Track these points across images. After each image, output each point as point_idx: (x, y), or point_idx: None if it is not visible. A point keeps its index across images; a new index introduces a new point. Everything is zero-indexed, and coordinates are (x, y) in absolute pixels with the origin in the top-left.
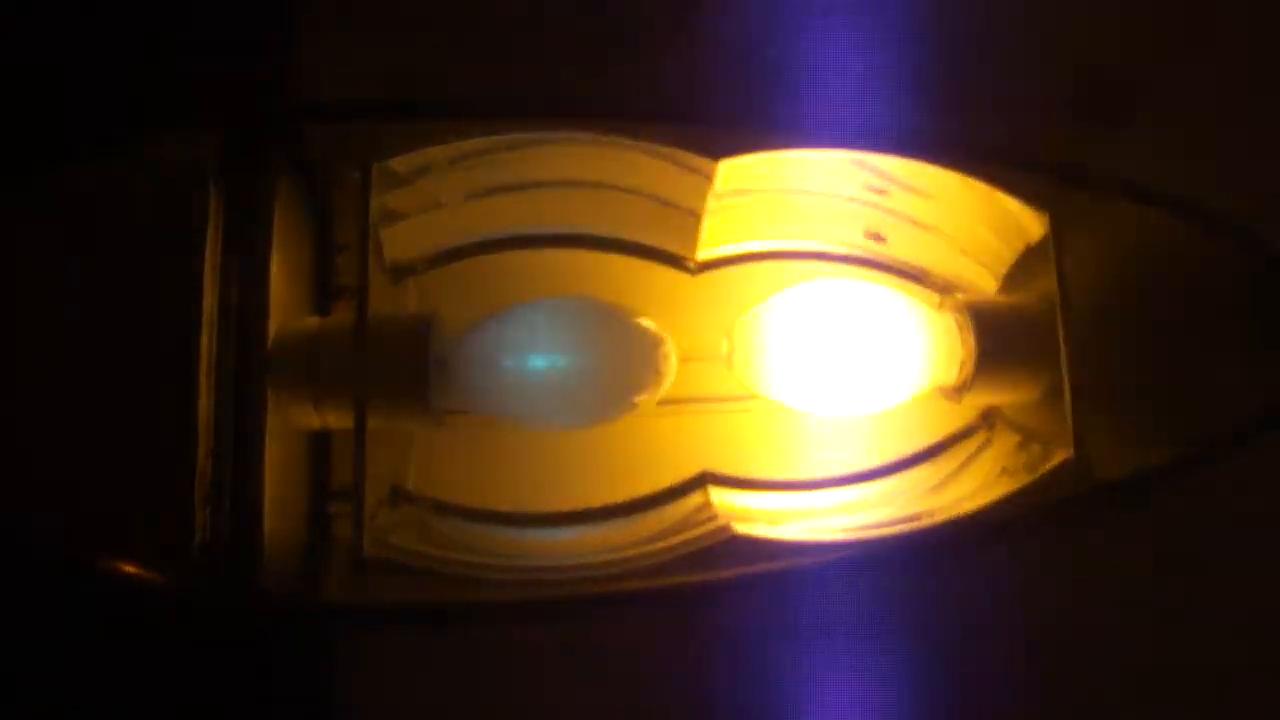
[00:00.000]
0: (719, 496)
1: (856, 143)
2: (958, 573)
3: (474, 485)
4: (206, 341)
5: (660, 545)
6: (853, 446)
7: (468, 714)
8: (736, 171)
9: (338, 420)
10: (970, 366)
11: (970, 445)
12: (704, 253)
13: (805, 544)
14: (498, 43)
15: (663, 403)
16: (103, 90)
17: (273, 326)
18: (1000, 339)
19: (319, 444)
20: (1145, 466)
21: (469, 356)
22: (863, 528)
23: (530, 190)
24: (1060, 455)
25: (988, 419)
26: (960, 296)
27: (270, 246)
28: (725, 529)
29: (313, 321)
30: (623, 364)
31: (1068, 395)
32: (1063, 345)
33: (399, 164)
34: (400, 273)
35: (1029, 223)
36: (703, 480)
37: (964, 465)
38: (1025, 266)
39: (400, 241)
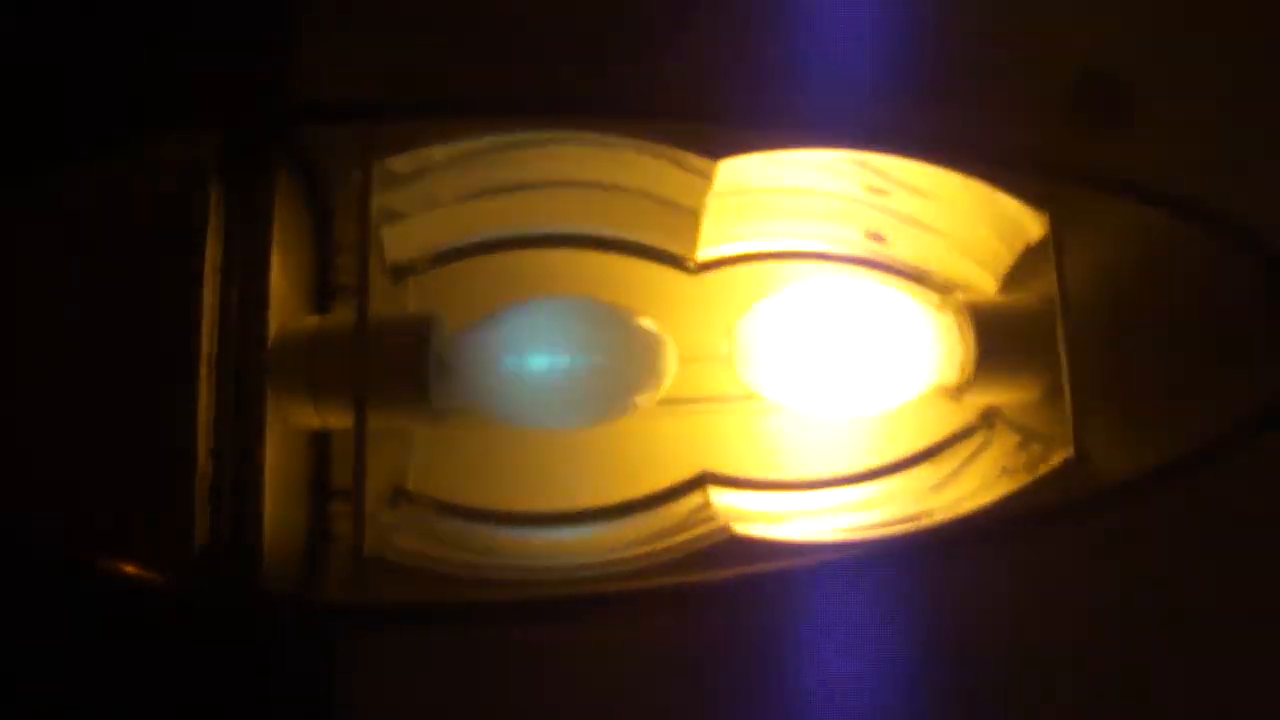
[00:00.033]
0: (719, 497)
1: (856, 143)
2: (958, 573)
3: (474, 485)
4: (206, 342)
5: (660, 545)
6: (853, 446)
7: (468, 714)
8: (736, 171)
9: (338, 420)
10: (970, 366)
11: (970, 445)
12: (704, 253)
13: (805, 544)
14: (498, 43)
15: (663, 403)
16: (103, 90)
17: (273, 326)
18: (1000, 339)
19: (319, 444)
20: (1145, 466)
21: (469, 356)
22: (863, 528)
23: (530, 190)
24: (1060, 455)
25: (988, 419)
26: (960, 296)
27: (270, 246)
28: (725, 529)
29: (313, 321)
30: (623, 364)
31: (1068, 395)
32: (1062, 345)
33: (399, 164)
34: (400, 273)
35: (1029, 223)
36: (702, 480)
37: (964, 465)
38: (1025, 266)
39: (400, 241)
